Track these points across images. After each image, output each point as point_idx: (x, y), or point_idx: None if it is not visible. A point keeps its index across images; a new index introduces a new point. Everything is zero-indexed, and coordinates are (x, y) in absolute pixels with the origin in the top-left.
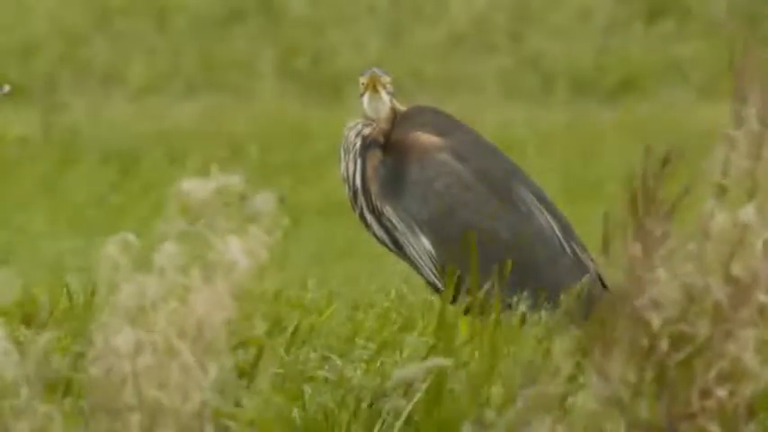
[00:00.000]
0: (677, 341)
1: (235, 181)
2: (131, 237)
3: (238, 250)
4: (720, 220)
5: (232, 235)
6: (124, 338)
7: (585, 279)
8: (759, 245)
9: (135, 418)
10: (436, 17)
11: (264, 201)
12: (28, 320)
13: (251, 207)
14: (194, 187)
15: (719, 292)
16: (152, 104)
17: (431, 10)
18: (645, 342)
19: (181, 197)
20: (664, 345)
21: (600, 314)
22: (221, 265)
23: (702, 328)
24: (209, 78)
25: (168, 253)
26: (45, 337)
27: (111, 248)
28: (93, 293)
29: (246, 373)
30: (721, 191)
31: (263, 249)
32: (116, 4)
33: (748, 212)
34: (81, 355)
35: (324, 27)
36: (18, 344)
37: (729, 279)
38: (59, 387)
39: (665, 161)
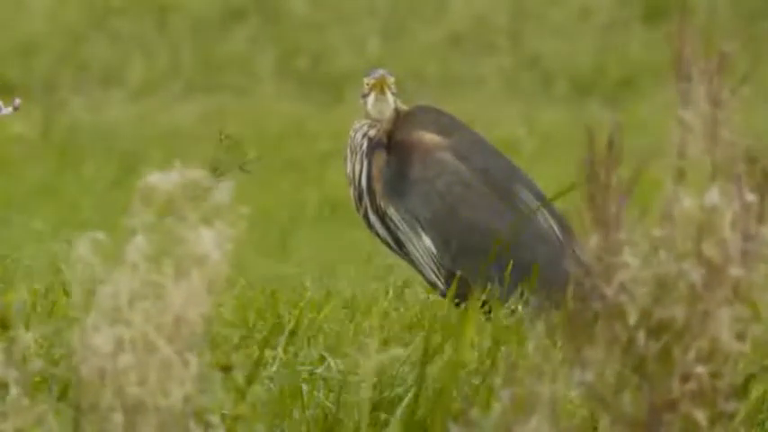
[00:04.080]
0: (654, 328)
1: (198, 174)
2: (100, 235)
3: (210, 242)
4: (685, 203)
5: (202, 227)
6: (102, 337)
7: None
8: (726, 223)
9: (118, 417)
10: (436, 17)
11: (224, 192)
12: (5, 323)
13: (213, 199)
14: (159, 180)
15: (692, 273)
16: (152, 104)
17: (431, 10)
18: (621, 333)
19: (146, 191)
20: (641, 334)
21: (573, 305)
22: (193, 259)
23: (678, 312)
24: (209, 78)
25: (138, 248)
26: (27, 337)
27: (82, 247)
28: (67, 293)
29: (231, 369)
30: (680, 174)
31: (229, 241)
32: (115, 3)
33: (713, 195)
34: (63, 356)
35: (324, 27)
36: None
37: (701, 260)
38: (43, 387)
39: (610, 144)
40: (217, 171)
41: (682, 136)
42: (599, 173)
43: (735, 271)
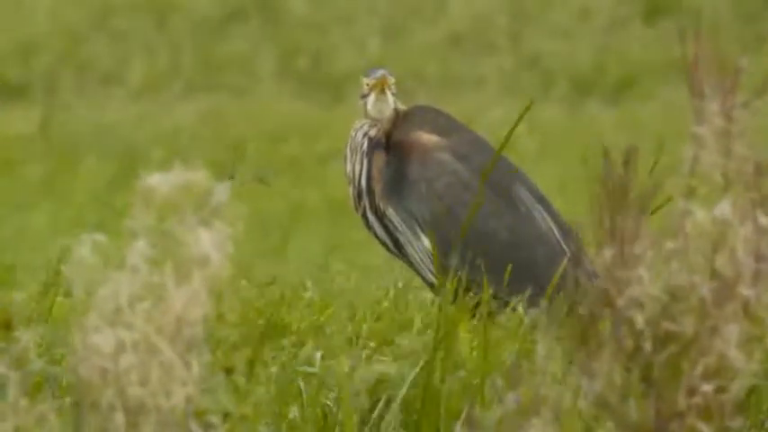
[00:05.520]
0: (662, 340)
1: (198, 175)
2: (100, 237)
3: (210, 244)
4: (698, 216)
5: (201, 229)
6: (103, 338)
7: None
8: (738, 240)
9: (119, 417)
10: (436, 17)
11: (223, 192)
12: (9, 324)
13: (212, 200)
14: (159, 182)
15: (703, 288)
16: (152, 104)
17: (431, 10)
18: (630, 342)
19: (146, 193)
20: (649, 344)
21: (583, 315)
22: (193, 260)
23: (687, 326)
24: (209, 78)
25: (139, 250)
26: (26, 337)
27: (82, 249)
28: (67, 294)
29: (234, 371)
30: (691, 190)
31: (228, 242)
32: (116, 3)
33: (724, 209)
34: (64, 356)
35: (324, 27)
36: (2, 344)
37: (712, 275)
38: (43, 387)
39: (627, 160)
40: (233, 180)
41: (695, 151)
42: (616, 188)
43: (745, 289)
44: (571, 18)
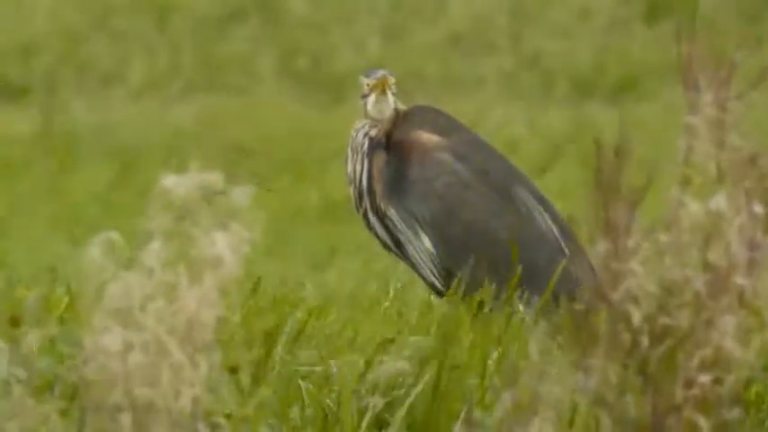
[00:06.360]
0: (658, 334)
1: (214, 177)
2: (116, 236)
3: (224, 246)
4: (691, 209)
5: (216, 230)
6: (113, 338)
7: (578, 275)
8: (732, 231)
9: (127, 418)
10: (436, 17)
11: (242, 195)
12: (16, 322)
13: (230, 202)
14: (175, 183)
15: (697, 281)
16: (152, 104)
17: (431, 10)
18: (626, 337)
19: (163, 194)
20: (645, 339)
21: (578, 310)
22: (207, 262)
23: (682, 319)
24: (209, 78)
25: (154, 251)
26: (33, 337)
27: (96, 249)
28: (80, 294)
29: (238, 372)
30: (686, 180)
31: (245, 244)
32: (116, 3)
33: (719, 201)
34: (71, 356)
35: (324, 27)
36: (8, 344)
37: (706, 267)
38: (50, 387)
39: (618, 152)
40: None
41: (688, 142)
42: (608, 180)
43: (740, 279)
44: (571, 18)
